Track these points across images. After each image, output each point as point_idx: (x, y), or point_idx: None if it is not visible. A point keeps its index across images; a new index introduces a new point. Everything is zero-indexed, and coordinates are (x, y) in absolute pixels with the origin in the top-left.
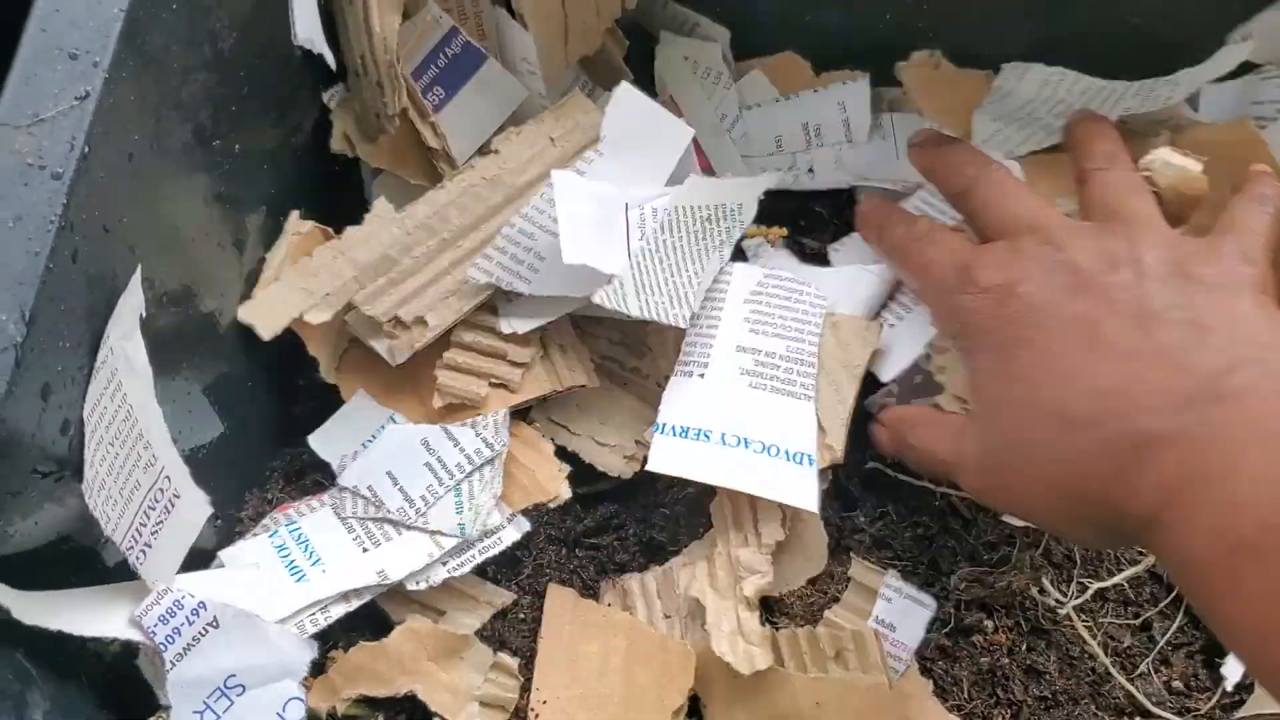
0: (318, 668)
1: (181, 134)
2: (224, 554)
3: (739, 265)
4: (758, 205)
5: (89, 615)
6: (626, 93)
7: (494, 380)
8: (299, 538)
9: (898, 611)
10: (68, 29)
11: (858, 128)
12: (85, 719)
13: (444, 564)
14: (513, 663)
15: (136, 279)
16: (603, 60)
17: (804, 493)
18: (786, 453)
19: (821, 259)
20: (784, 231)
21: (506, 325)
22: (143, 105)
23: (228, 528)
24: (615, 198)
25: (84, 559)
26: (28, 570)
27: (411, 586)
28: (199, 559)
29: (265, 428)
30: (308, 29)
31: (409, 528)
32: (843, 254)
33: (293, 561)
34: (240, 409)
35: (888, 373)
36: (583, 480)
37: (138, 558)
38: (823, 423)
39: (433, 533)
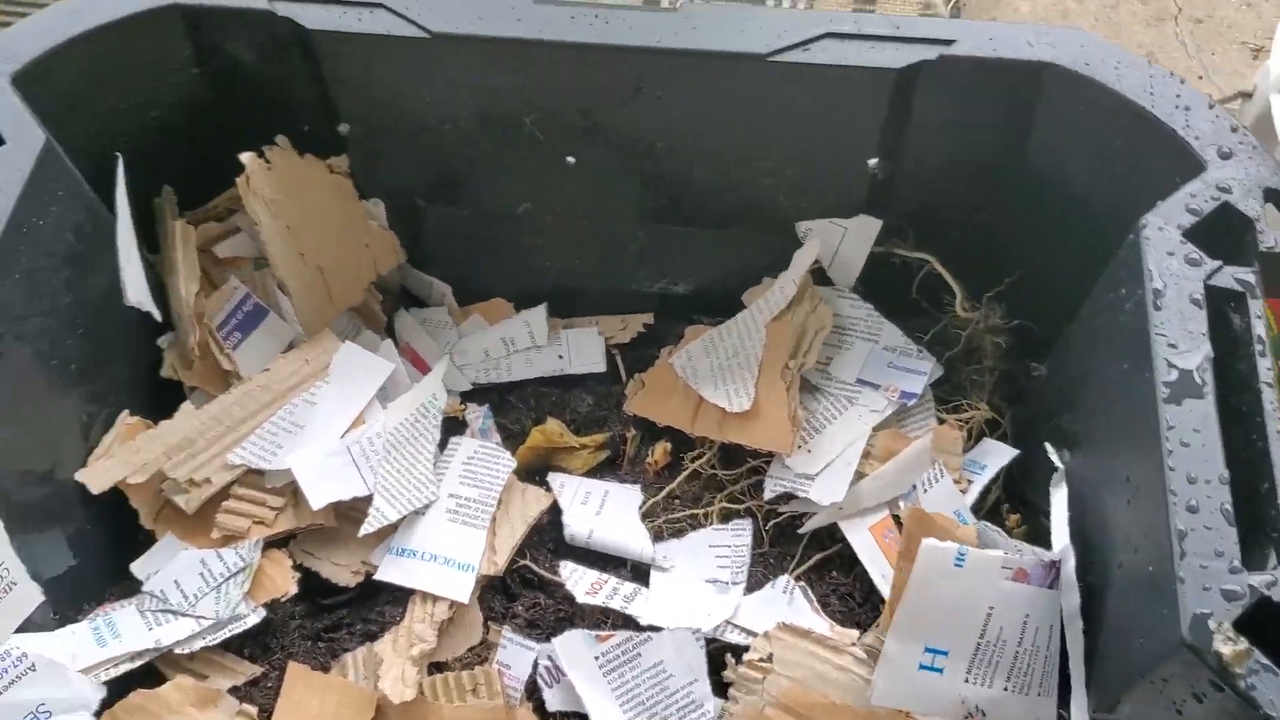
0: (107, 705)
1: (24, 355)
2: (54, 632)
3: (465, 439)
4: (454, 394)
5: None
6: (348, 347)
7: (255, 519)
8: (108, 622)
9: (511, 655)
10: None
11: (539, 337)
12: None
13: (203, 637)
14: (253, 710)
15: None
16: (365, 308)
17: (463, 590)
18: (458, 563)
19: (508, 432)
20: (465, 408)
21: (268, 481)
22: None
23: (64, 625)
24: (335, 447)
25: None
26: None
27: (178, 650)
28: None
29: (105, 564)
30: (137, 293)
31: (183, 615)
32: None
33: (100, 635)
34: (85, 550)
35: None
36: (329, 594)
37: None
38: (495, 546)
39: (197, 617)
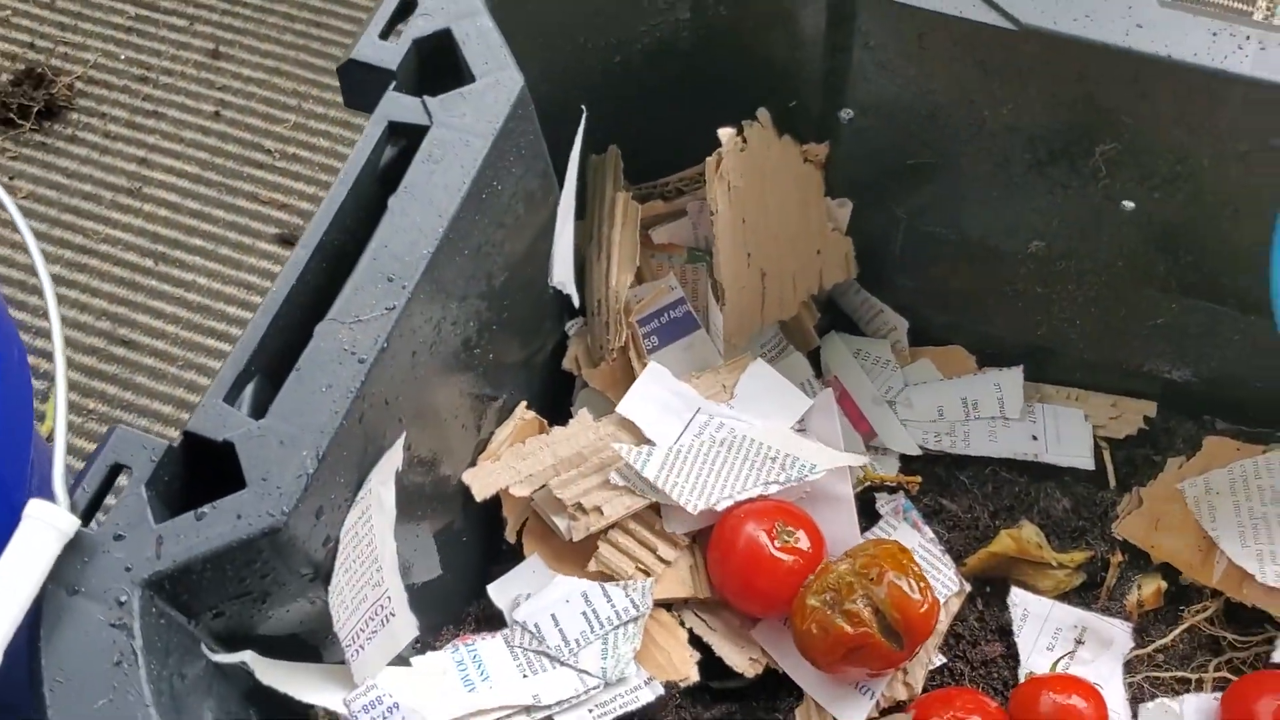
0: None
1: (452, 342)
2: (414, 660)
3: (901, 526)
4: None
5: (309, 686)
6: (759, 366)
7: (640, 566)
8: (474, 657)
9: None
10: (390, 260)
11: (1011, 407)
12: None
13: (589, 709)
14: None
15: (400, 442)
16: (796, 324)
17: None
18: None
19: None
20: (918, 480)
21: (667, 524)
22: (429, 319)
23: (423, 652)
24: (692, 398)
25: (309, 649)
26: (270, 647)
27: (558, 715)
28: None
29: (469, 577)
30: (563, 273)
31: (562, 664)
32: None
33: (466, 675)
34: (455, 557)
35: None
36: (714, 675)
37: (352, 655)
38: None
39: (580, 671)
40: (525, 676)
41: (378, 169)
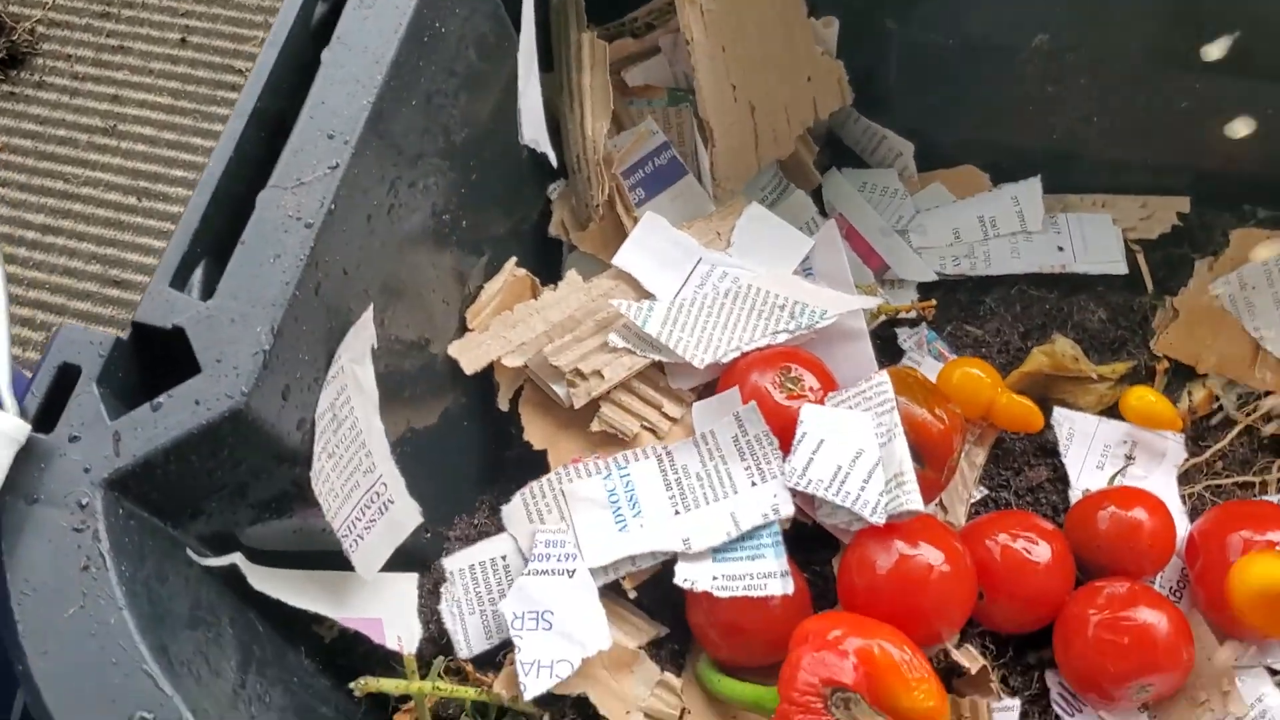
0: (498, 666)
1: (416, 207)
2: (567, 488)
3: None
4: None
5: (302, 592)
6: (755, 209)
7: (645, 424)
8: (627, 485)
9: None
10: (328, 116)
11: (1031, 220)
12: (301, 677)
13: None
14: (676, 682)
15: (368, 314)
16: (795, 162)
17: None
18: None
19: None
20: (933, 304)
21: (672, 380)
22: (380, 178)
23: (437, 543)
24: (693, 248)
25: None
26: (274, 556)
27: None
28: (411, 563)
29: (478, 464)
30: (533, 130)
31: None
32: None
33: (619, 508)
34: (459, 444)
35: None
36: None
37: (351, 545)
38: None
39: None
40: (677, 513)
41: (309, 28)
